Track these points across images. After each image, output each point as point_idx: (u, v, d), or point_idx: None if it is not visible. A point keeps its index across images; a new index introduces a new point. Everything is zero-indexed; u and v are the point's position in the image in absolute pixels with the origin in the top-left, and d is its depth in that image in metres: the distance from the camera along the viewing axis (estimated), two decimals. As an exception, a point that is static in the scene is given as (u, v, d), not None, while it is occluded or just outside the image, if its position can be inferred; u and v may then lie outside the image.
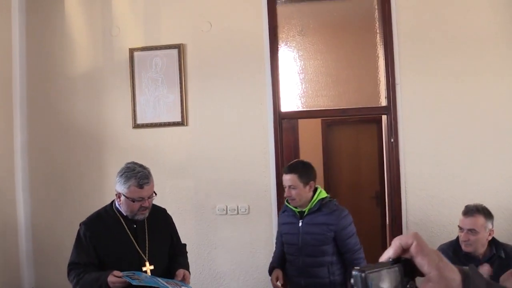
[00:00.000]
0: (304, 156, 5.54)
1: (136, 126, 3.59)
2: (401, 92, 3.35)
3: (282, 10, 3.57)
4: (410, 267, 0.66)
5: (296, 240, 2.68)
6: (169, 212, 2.61)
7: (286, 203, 2.77)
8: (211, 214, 3.53)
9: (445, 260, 0.66)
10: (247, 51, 3.51)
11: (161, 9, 3.60)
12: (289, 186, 2.64)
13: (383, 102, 3.45)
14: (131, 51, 3.59)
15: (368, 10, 3.56)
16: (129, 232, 2.34)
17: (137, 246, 2.33)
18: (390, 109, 3.37)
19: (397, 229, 3.35)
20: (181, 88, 3.53)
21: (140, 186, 2.24)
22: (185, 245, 2.64)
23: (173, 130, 3.57)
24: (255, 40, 3.50)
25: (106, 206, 2.44)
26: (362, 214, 5.58)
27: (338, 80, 3.52)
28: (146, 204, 2.29)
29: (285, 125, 4.18)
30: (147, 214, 2.34)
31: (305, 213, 2.66)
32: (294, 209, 2.70)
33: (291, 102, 3.55)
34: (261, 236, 3.45)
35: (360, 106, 3.51)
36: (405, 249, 0.67)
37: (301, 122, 5.43)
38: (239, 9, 3.54)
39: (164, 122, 3.56)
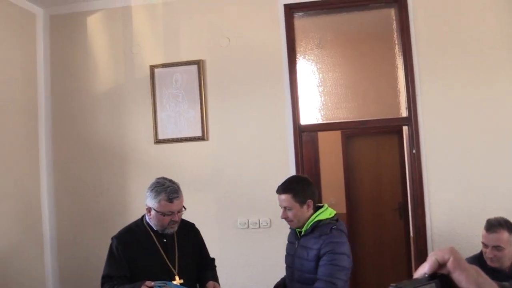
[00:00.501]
0: (324, 168, 5.53)
1: (158, 141, 3.64)
2: (421, 102, 3.32)
3: (299, 23, 3.60)
4: (447, 283, 0.65)
5: (291, 262, 2.47)
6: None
7: None
8: (232, 228, 3.53)
9: (484, 275, 0.65)
10: (265, 65, 3.54)
11: (180, 26, 3.67)
12: (285, 208, 2.39)
13: (404, 113, 3.42)
14: (152, 68, 3.65)
15: (386, 20, 3.55)
16: (159, 246, 2.37)
17: (167, 260, 2.36)
18: (411, 119, 3.34)
19: (422, 242, 3.29)
20: (201, 103, 3.58)
21: (170, 200, 2.29)
22: (213, 259, 2.66)
23: (194, 145, 3.60)
24: (273, 54, 3.53)
25: (137, 220, 2.48)
26: (385, 226, 5.51)
27: (357, 91, 3.51)
28: (176, 218, 2.34)
29: (305, 137, 4.17)
30: (176, 228, 2.38)
31: (302, 234, 2.41)
32: (297, 229, 2.47)
33: (310, 115, 3.55)
34: (283, 250, 3.41)
35: (381, 118, 3.48)
36: (441, 265, 0.65)
37: (321, 134, 5.42)
38: (257, 23, 3.58)
39: (185, 137, 3.60)
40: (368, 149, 5.63)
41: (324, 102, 3.54)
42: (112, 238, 2.41)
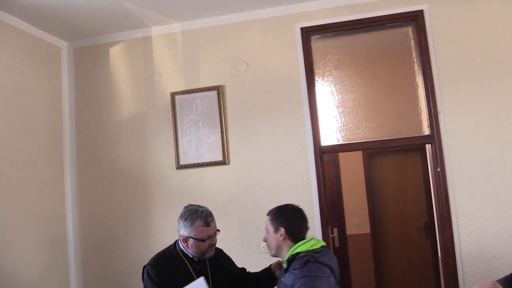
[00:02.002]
0: (347, 188, 5.48)
1: (180, 167, 3.68)
2: (444, 120, 3.28)
3: (316, 46, 3.63)
4: None
5: None
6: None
7: None
8: (255, 252, 3.51)
9: None
10: (284, 88, 3.56)
11: (199, 53, 3.74)
12: (265, 230, 2.34)
13: (426, 131, 3.38)
14: (173, 95, 3.72)
15: (404, 39, 3.55)
16: (193, 274, 2.35)
17: None
18: (434, 137, 3.29)
19: (451, 263, 3.20)
20: (221, 128, 3.61)
21: (207, 224, 2.31)
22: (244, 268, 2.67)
23: (215, 169, 3.62)
24: (292, 77, 3.56)
25: (170, 247, 2.46)
26: (411, 245, 5.40)
27: (377, 111, 3.49)
28: (214, 241, 2.35)
29: (326, 158, 4.16)
30: (214, 251, 2.39)
31: (285, 269, 2.24)
32: (283, 263, 2.30)
33: (331, 136, 3.54)
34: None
35: (402, 136, 3.44)
36: None
37: (342, 154, 5.39)
38: (275, 48, 3.62)
39: (207, 162, 3.63)
40: (390, 168, 5.57)
41: (344, 123, 3.53)
42: (145, 267, 2.37)
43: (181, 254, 2.39)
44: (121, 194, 3.78)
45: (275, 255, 2.31)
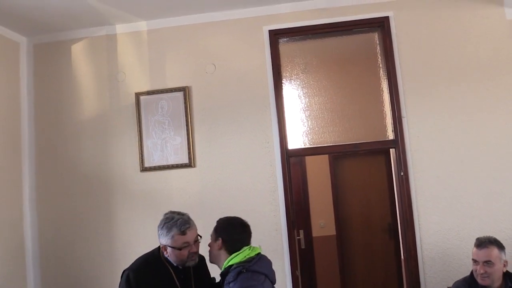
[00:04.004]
0: (313, 190, 5.51)
1: (144, 169, 3.59)
2: (407, 125, 3.35)
3: (284, 48, 3.63)
4: None
5: None
6: None
7: None
8: (221, 256, 3.46)
9: None
10: (251, 90, 3.54)
11: (166, 53, 3.67)
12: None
13: (390, 135, 3.44)
14: (137, 95, 3.63)
15: (370, 44, 3.61)
16: (178, 284, 2.28)
17: None
18: (398, 142, 3.36)
19: (413, 264, 3.27)
20: (187, 130, 3.55)
21: (183, 233, 2.23)
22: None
23: (181, 172, 3.56)
24: (259, 79, 3.54)
25: (154, 251, 2.37)
26: (375, 246, 5.50)
27: (343, 115, 3.53)
28: (194, 249, 2.27)
29: (292, 160, 4.16)
30: (197, 260, 2.31)
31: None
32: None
33: (298, 139, 3.55)
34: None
35: (367, 141, 3.49)
36: None
37: (308, 157, 5.42)
38: (242, 49, 3.59)
39: (172, 165, 3.56)
40: (356, 170, 5.65)
41: (311, 126, 3.55)
42: (125, 271, 2.27)
43: (165, 261, 2.31)
44: (83, 197, 3.65)
45: (212, 262, 2.34)
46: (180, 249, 2.23)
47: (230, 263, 2.20)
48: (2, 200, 3.39)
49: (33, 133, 3.74)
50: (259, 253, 2.29)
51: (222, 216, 2.46)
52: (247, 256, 2.21)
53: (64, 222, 3.65)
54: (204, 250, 2.40)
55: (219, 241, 2.26)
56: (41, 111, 3.76)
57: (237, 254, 2.22)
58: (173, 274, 2.29)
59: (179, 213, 2.32)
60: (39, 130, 3.75)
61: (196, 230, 2.32)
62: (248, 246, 2.29)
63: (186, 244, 2.24)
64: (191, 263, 2.29)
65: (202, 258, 2.49)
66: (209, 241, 2.35)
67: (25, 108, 3.72)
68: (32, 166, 3.69)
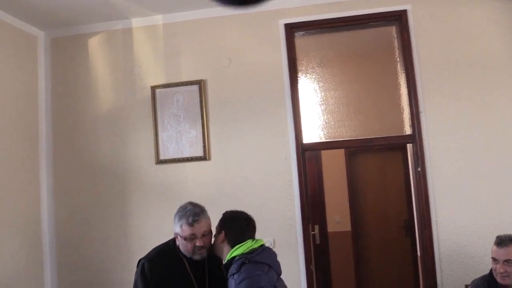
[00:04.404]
0: (328, 185, 5.47)
1: (159, 162, 3.61)
2: (425, 120, 3.29)
3: (300, 42, 3.59)
4: None
5: None
6: None
7: None
8: (235, 249, 3.47)
9: None
10: (267, 84, 3.52)
11: (181, 46, 3.67)
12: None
13: (408, 130, 3.39)
14: (153, 88, 3.65)
15: (387, 38, 3.55)
16: (191, 275, 2.27)
17: None
18: (415, 137, 3.30)
19: (430, 261, 3.22)
20: (202, 123, 3.56)
21: (191, 224, 2.21)
22: None
23: (195, 165, 3.57)
24: (275, 73, 3.52)
25: (169, 242, 2.37)
26: (391, 243, 5.44)
27: (360, 109, 3.49)
28: (200, 243, 2.23)
29: (308, 155, 4.13)
30: (205, 255, 2.27)
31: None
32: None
33: (313, 133, 3.52)
34: (287, 270, 3.31)
35: (384, 135, 3.44)
36: None
37: (324, 151, 5.38)
38: (258, 43, 3.57)
39: (187, 157, 3.57)
40: (372, 166, 5.59)
41: (326, 121, 3.52)
42: (141, 260, 2.30)
43: (179, 252, 2.30)
44: (99, 189, 3.69)
45: (216, 255, 2.29)
46: (186, 239, 2.22)
47: (233, 255, 2.17)
48: (21, 192, 3.45)
49: (50, 126, 3.79)
50: (263, 244, 2.27)
51: (236, 209, 2.43)
52: (250, 248, 2.19)
53: (80, 214, 3.70)
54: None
55: (222, 234, 2.24)
56: (58, 104, 3.81)
57: (240, 246, 2.19)
58: (187, 265, 2.28)
59: (195, 205, 2.31)
60: (57, 123, 3.79)
61: (208, 225, 2.28)
62: (251, 239, 2.26)
63: (193, 236, 2.22)
64: (197, 257, 2.26)
65: None
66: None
67: (43, 101, 3.77)
68: (49, 159, 3.74)
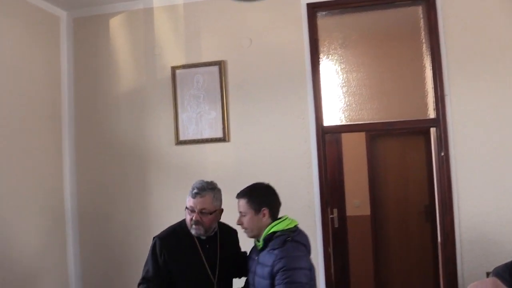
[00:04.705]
0: (348, 169, 5.42)
1: (179, 142, 3.62)
2: (450, 104, 3.20)
3: (322, 23, 3.52)
4: None
5: (252, 280, 2.26)
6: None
7: None
8: (254, 231, 3.48)
9: None
10: (288, 65, 3.47)
11: (202, 27, 3.64)
12: (240, 213, 2.27)
13: (432, 114, 3.30)
14: (173, 69, 3.64)
15: (413, 19, 3.44)
16: (202, 253, 2.32)
17: (208, 269, 2.31)
18: (439, 121, 3.22)
19: (450, 248, 3.17)
20: (222, 104, 3.54)
21: (193, 196, 2.28)
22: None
23: (215, 146, 3.57)
24: (296, 54, 3.46)
25: (182, 222, 2.41)
26: (411, 229, 5.38)
27: (382, 92, 3.41)
28: (197, 217, 2.26)
29: (328, 138, 4.08)
30: (201, 232, 2.30)
31: (259, 249, 2.24)
32: (257, 242, 2.28)
33: (334, 116, 3.47)
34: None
35: (407, 119, 3.37)
36: None
37: (345, 135, 5.31)
38: (279, 24, 3.51)
39: (206, 139, 3.58)
40: (394, 150, 5.50)
41: (348, 103, 3.46)
42: (154, 238, 2.36)
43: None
44: (119, 168, 3.75)
45: (254, 237, 2.26)
46: (186, 209, 2.30)
47: (272, 230, 2.17)
48: (44, 169, 3.52)
49: (73, 105, 3.83)
50: (297, 225, 2.28)
51: None
52: (289, 226, 2.20)
53: (101, 190, 3.77)
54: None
55: (265, 211, 2.21)
56: (81, 84, 3.85)
57: (280, 222, 2.21)
58: (197, 244, 2.32)
59: (207, 182, 2.36)
60: (79, 102, 3.84)
61: (209, 203, 2.29)
62: (286, 216, 2.28)
63: (191, 208, 2.27)
64: (193, 232, 2.29)
65: (233, 232, 2.51)
66: (234, 217, 2.29)
67: (65, 80, 3.81)
68: (71, 137, 3.80)
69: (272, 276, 2.06)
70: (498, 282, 0.58)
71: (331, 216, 4.78)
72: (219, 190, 2.40)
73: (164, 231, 2.40)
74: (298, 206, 3.40)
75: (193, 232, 2.30)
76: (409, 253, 5.36)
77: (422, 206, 5.30)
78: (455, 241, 3.16)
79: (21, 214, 3.21)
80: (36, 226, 3.37)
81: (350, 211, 5.42)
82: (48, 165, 3.57)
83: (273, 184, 3.36)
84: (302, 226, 3.35)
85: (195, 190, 2.28)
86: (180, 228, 2.38)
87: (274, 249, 2.10)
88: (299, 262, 2.07)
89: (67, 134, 3.78)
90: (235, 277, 2.51)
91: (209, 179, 3.53)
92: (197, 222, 2.27)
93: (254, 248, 2.32)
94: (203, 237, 2.33)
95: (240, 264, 2.44)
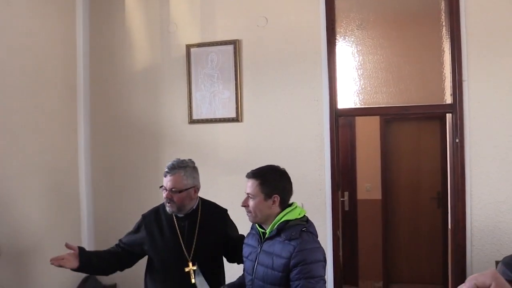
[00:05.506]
0: (361, 152, 5.39)
1: (192, 121, 3.63)
2: (468, 90, 3.14)
3: (340, 3, 3.45)
4: None
5: (251, 269, 2.11)
6: (223, 207, 2.58)
7: None
8: (264, 211, 3.50)
9: None
10: (303, 46, 3.43)
11: (217, 5, 3.60)
12: (248, 195, 2.09)
13: (448, 99, 3.24)
14: (188, 47, 3.62)
15: (434, 1, 3.35)
16: (178, 231, 2.37)
17: (183, 246, 2.35)
18: (456, 107, 3.16)
19: (460, 236, 3.15)
20: (236, 84, 3.53)
21: (164, 175, 2.34)
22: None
23: (228, 126, 3.57)
24: (312, 35, 3.41)
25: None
26: (422, 214, 5.36)
27: (399, 76, 3.36)
28: (168, 195, 2.31)
29: (342, 121, 4.05)
30: (174, 209, 2.34)
31: (266, 236, 2.07)
32: (259, 228, 2.13)
33: (348, 99, 3.44)
34: (314, 236, 3.37)
35: (423, 104, 3.32)
36: None
37: (359, 118, 5.28)
38: (296, 3, 3.46)
39: (219, 118, 3.58)
40: (408, 135, 5.45)
41: (363, 86, 3.41)
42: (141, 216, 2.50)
43: None
44: (133, 145, 3.78)
45: (258, 222, 2.12)
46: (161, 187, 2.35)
47: (285, 219, 2.03)
48: (59, 146, 3.56)
49: (88, 81, 3.85)
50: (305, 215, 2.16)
51: None
52: (300, 215, 2.07)
53: (115, 168, 3.81)
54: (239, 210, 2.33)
55: (276, 198, 2.05)
56: (96, 61, 3.86)
57: (291, 210, 2.07)
58: (175, 221, 2.38)
59: (181, 161, 2.38)
60: (94, 80, 3.85)
61: (178, 182, 2.29)
62: (295, 203, 2.14)
63: (163, 187, 2.33)
64: (167, 209, 2.35)
65: (219, 211, 2.53)
66: (241, 198, 2.14)
67: (81, 57, 3.81)
68: (87, 115, 3.83)
69: (287, 269, 1.94)
70: (498, 274, 0.57)
71: (342, 199, 4.79)
72: (192, 168, 2.39)
73: (150, 210, 2.51)
74: (309, 188, 3.40)
75: (167, 209, 2.36)
76: (419, 239, 5.36)
77: (434, 192, 5.27)
78: (466, 228, 3.14)
79: (35, 190, 3.26)
80: (51, 201, 3.43)
81: (361, 194, 5.42)
82: (63, 141, 3.61)
83: (284, 165, 3.37)
84: (312, 208, 3.39)
85: (166, 169, 2.33)
86: (162, 207, 2.44)
87: (290, 240, 1.96)
88: (318, 255, 1.97)
89: (83, 111, 3.80)
90: (230, 261, 2.50)
91: (220, 159, 3.58)
92: (169, 200, 2.32)
93: (253, 235, 2.19)
94: (181, 215, 2.38)
95: (234, 247, 2.39)
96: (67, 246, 2.29)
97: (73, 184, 3.74)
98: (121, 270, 2.46)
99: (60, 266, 2.23)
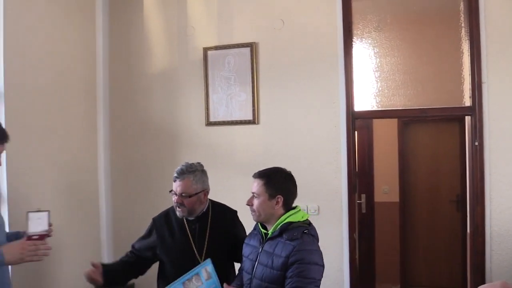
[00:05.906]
0: (379, 155, 5.35)
1: (209, 123, 3.66)
2: (487, 92, 3.08)
3: (357, 5, 3.43)
4: None
5: (251, 269, 2.15)
6: (238, 210, 2.60)
7: None
8: (280, 213, 3.50)
9: None
10: (320, 48, 3.42)
11: (234, 8, 3.63)
12: (253, 194, 2.16)
13: (467, 102, 3.20)
14: (205, 50, 3.66)
15: (452, 1, 3.31)
16: (188, 232, 2.40)
17: (194, 248, 2.38)
18: (475, 109, 3.12)
19: (479, 241, 3.10)
20: (253, 86, 3.55)
21: (173, 180, 2.37)
22: None
23: (244, 128, 3.59)
24: (329, 37, 3.40)
25: None
26: (441, 218, 5.30)
27: (417, 78, 3.32)
28: (178, 200, 2.33)
29: (359, 123, 4.03)
30: (185, 214, 2.37)
31: (268, 237, 2.12)
32: (261, 229, 2.19)
33: (365, 101, 3.42)
34: (330, 238, 3.36)
35: (441, 106, 3.28)
36: None
37: (376, 120, 5.24)
38: (313, 5, 3.46)
39: (236, 120, 3.60)
40: (426, 137, 5.39)
41: (380, 88, 3.39)
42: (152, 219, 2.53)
43: None
44: (151, 145, 3.84)
45: (261, 221, 2.18)
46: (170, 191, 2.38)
47: (288, 220, 2.08)
48: (80, 146, 3.64)
49: (107, 82, 3.91)
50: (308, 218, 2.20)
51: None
52: (303, 218, 2.14)
53: (133, 169, 3.87)
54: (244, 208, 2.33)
55: (279, 199, 2.11)
56: (115, 63, 3.92)
57: (295, 212, 2.12)
58: (186, 224, 2.41)
59: (190, 165, 2.40)
60: (113, 81, 3.92)
61: (187, 187, 2.32)
62: (299, 207, 2.20)
63: (173, 192, 2.35)
64: (178, 213, 2.37)
65: (230, 213, 2.56)
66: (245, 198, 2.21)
67: (100, 59, 3.87)
68: (106, 116, 3.89)
69: (285, 267, 1.98)
70: (508, 285, 0.57)
71: (359, 201, 4.76)
72: (201, 172, 2.42)
73: (160, 213, 2.54)
74: (325, 190, 3.40)
75: (178, 214, 2.38)
76: (437, 242, 5.29)
77: (454, 195, 5.20)
78: (485, 233, 3.09)
79: (55, 188, 3.33)
80: (71, 201, 3.50)
81: (379, 197, 5.38)
82: (82, 141, 3.68)
83: (300, 168, 3.40)
84: (328, 211, 3.39)
85: (175, 174, 2.35)
86: (172, 210, 2.47)
87: (291, 240, 2.01)
88: (315, 257, 2.01)
89: (102, 111, 3.87)
90: (235, 261, 2.52)
91: (237, 161, 3.60)
92: (179, 205, 2.34)
93: (255, 235, 2.24)
94: (191, 218, 2.40)
95: (240, 247, 2.41)
96: (93, 264, 2.34)
97: (93, 184, 3.81)
98: (135, 277, 2.51)
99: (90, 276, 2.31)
